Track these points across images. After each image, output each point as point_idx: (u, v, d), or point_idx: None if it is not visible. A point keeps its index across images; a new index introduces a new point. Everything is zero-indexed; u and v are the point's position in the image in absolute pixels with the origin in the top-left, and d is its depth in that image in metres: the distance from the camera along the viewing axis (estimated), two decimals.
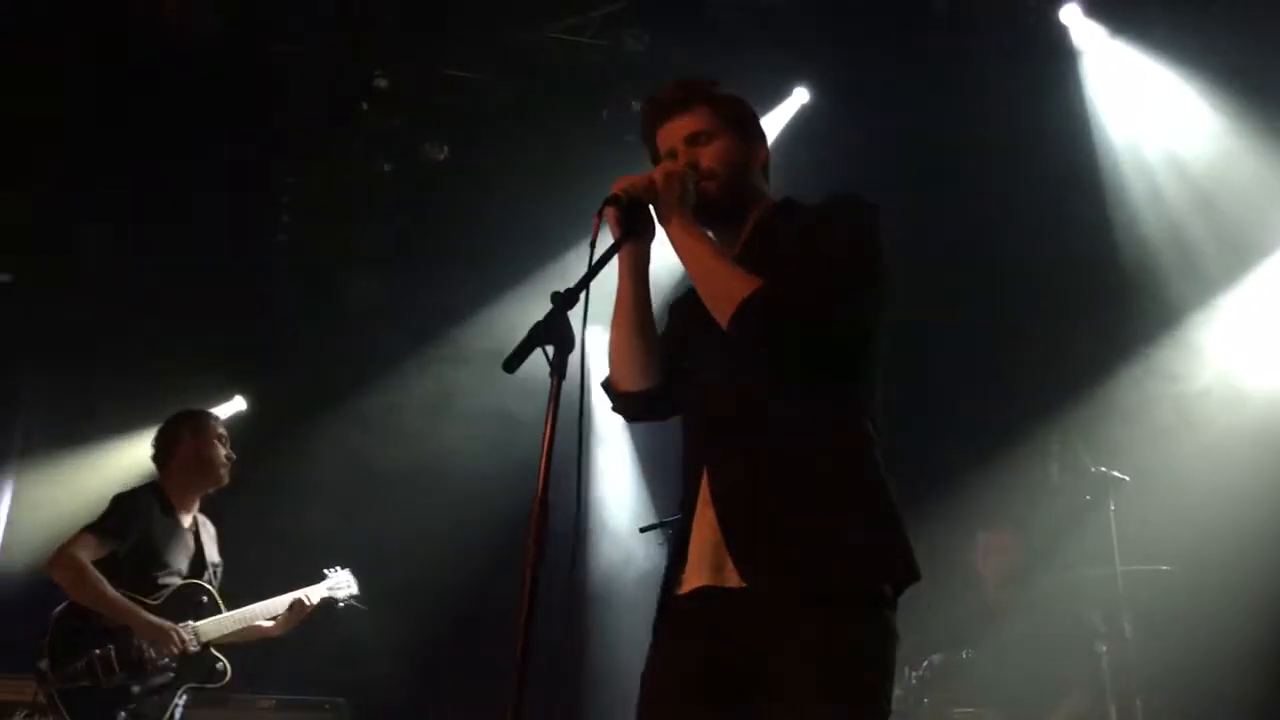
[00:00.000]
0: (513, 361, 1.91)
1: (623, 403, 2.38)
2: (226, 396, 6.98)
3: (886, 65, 5.89)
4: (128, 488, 4.38)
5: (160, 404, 5.10)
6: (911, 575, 2.07)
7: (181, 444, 4.38)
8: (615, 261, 2.21)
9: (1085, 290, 5.71)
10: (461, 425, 6.69)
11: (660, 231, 2.21)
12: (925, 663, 4.74)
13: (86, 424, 6.73)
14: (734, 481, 2.10)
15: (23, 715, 4.26)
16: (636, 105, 5.93)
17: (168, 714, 4.10)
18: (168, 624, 4.08)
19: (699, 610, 2.10)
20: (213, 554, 4.43)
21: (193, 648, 4.13)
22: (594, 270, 2.05)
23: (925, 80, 5.83)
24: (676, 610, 2.15)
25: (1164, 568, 4.62)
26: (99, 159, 6.15)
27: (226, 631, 4.27)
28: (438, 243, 7.02)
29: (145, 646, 4.03)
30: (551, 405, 1.92)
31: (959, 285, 5.88)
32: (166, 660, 4.07)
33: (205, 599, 4.29)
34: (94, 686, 3.94)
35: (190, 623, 4.17)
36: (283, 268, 7.06)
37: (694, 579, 2.13)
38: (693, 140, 2.30)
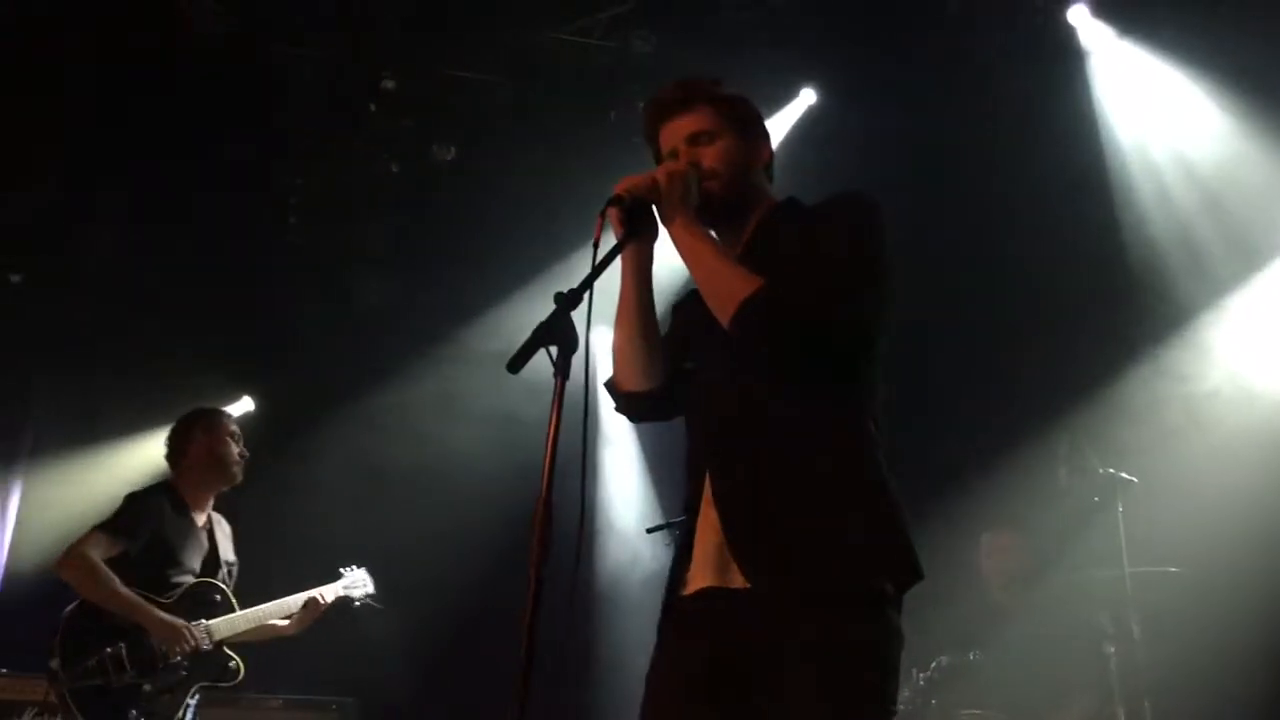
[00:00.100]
0: (516, 362, 1.91)
1: (626, 403, 2.38)
2: (234, 397, 7.00)
3: (893, 66, 5.89)
4: (140, 486, 4.39)
5: (167, 404, 5.12)
6: (915, 574, 2.06)
7: (194, 442, 4.38)
8: (618, 262, 2.21)
9: (1093, 290, 5.70)
10: (468, 426, 6.70)
11: (663, 231, 2.21)
12: (932, 664, 4.73)
13: (94, 425, 6.76)
14: (735, 482, 2.10)
15: (32, 714, 4.27)
16: None
17: (180, 713, 4.07)
18: (180, 621, 4.06)
19: (703, 611, 2.10)
20: (227, 553, 4.42)
21: (205, 646, 4.12)
22: (597, 270, 2.04)
23: (932, 81, 5.83)
24: (681, 611, 2.15)
25: (1172, 569, 4.61)
26: (107, 160, 6.18)
27: (239, 630, 4.25)
28: (444, 243, 7.04)
29: (157, 644, 4.01)
30: (555, 406, 1.91)
31: (965, 285, 5.87)
32: (178, 659, 4.05)
33: (218, 597, 4.27)
34: (105, 685, 3.91)
35: (203, 621, 4.16)
36: (290, 268, 7.08)
37: (698, 580, 2.13)
38: (695, 140, 2.30)
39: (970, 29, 5.74)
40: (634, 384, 2.32)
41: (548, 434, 1.90)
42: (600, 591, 6.53)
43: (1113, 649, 4.44)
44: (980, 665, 4.69)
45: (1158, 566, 4.59)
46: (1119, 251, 5.63)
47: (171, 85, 5.93)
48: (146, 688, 3.99)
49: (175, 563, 4.19)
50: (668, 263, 2.28)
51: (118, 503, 4.22)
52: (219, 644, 4.20)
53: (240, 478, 4.45)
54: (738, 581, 2.04)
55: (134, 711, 3.94)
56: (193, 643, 4.07)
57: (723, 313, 2.09)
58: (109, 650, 3.95)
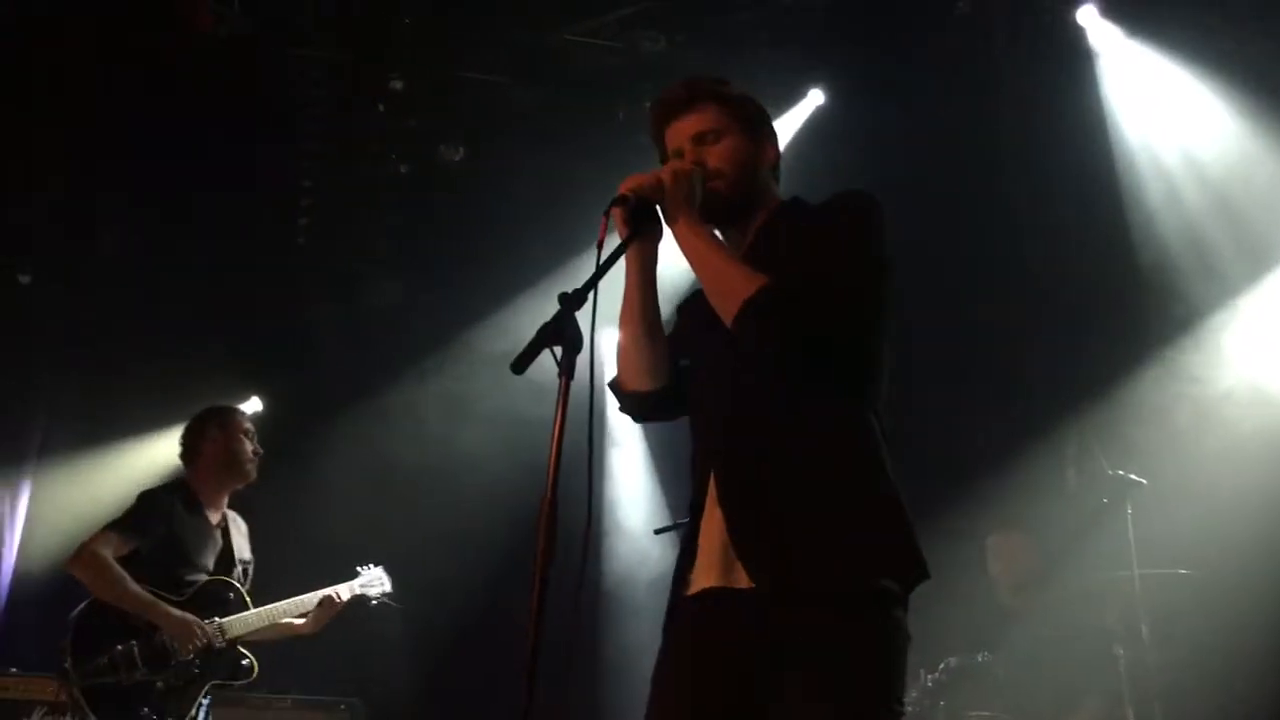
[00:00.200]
0: (521, 362, 1.90)
1: (630, 403, 2.38)
2: (242, 397, 7.01)
3: (901, 66, 5.88)
4: (152, 485, 4.39)
5: (176, 405, 5.13)
6: (920, 573, 2.05)
7: (208, 440, 4.38)
8: (623, 262, 2.20)
9: (1102, 291, 5.68)
10: (477, 427, 6.70)
11: (668, 231, 2.21)
12: (941, 666, 4.72)
13: (104, 424, 6.77)
14: (739, 482, 2.09)
15: (43, 714, 4.28)
16: None
17: (193, 711, 4.06)
18: (192, 618, 4.05)
19: (708, 611, 2.09)
20: (243, 551, 4.41)
21: (218, 643, 4.11)
22: (601, 270, 2.04)
23: (941, 81, 5.81)
24: (686, 611, 2.15)
25: (1182, 571, 4.58)
26: (113, 161, 6.19)
27: (253, 628, 4.24)
28: (452, 244, 7.04)
29: (168, 641, 4.00)
30: (560, 406, 1.91)
31: (974, 285, 5.86)
32: (190, 656, 4.04)
33: (232, 595, 4.27)
34: (117, 683, 3.90)
35: (216, 619, 4.15)
36: (298, 269, 7.09)
37: (703, 579, 2.12)
38: (700, 139, 2.29)
39: (978, 29, 5.73)
40: (638, 384, 2.32)
41: (552, 434, 1.89)
42: (607, 592, 6.52)
43: (1122, 651, 4.42)
44: (989, 667, 4.68)
45: (1167, 569, 4.56)
46: (1128, 252, 5.61)
47: (180, 86, 5.94)
48: (159, 685, 3.98)
49: (188, 561, 4.19)
50: (673, 262, 2.27)
51: (128, 502, 4.23)
52: (232, 642, 4.19)
53: (254, 475, 4.45)
54: (742, 581, 2.03)
55: (146, 709, 3.93)
56: (204, 639, 4.06)
57: (726, 312, 2.09)
58: (119, 647, 3.94)
